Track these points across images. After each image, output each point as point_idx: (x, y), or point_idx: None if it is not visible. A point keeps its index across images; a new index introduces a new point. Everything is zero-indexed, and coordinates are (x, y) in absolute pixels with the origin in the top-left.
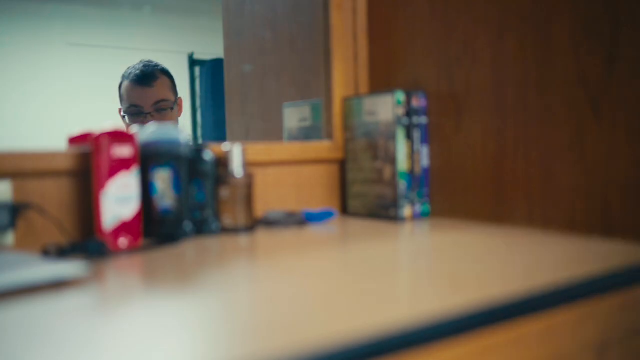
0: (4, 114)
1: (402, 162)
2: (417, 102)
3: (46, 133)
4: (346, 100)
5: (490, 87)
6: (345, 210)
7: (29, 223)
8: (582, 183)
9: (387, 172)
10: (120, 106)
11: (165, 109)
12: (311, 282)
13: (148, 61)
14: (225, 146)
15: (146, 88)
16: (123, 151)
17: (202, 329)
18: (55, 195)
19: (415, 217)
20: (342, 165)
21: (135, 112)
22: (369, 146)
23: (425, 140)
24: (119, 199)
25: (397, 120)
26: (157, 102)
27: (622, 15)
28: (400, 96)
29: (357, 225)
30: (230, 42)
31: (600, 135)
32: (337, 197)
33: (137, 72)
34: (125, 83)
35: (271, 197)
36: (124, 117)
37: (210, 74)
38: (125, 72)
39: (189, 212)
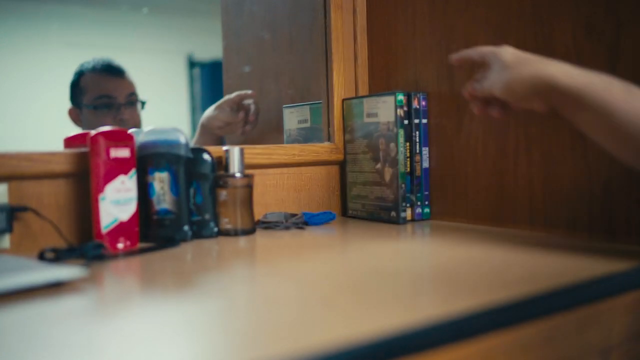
0: (2, 114)
1: (403, 164)
2: (418, 103)
3: (44, 134)
4: (346, 102)
5: None
6: (345, 212)
7: (26, 226)
8: (584, 184)
9: (388, 174)
10: (71, 105)
11: (135, 103)
12: (311, 285)
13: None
14: (224, 148)
15: (119, 78)
16: (120, 153)
17: (201, 333)
18: (52, 198)
19: (416, 219)
20: (342, 166)
21: (106, 103)
22: (369, 148)
23: (425, 141)
24: (117, 202)
25: (398, 122)
26: (131, 94)
27: (623, 16)
28: (401, 97)
29: (357, 227)
30: (228, 43)
31: None
32: (337, 199)
33: (103, 63)
34: (89, 74)
35: (270, 199)
36: (79, 110)
37: (209, 75)
38: (82, 67)
39: (188, 214)
